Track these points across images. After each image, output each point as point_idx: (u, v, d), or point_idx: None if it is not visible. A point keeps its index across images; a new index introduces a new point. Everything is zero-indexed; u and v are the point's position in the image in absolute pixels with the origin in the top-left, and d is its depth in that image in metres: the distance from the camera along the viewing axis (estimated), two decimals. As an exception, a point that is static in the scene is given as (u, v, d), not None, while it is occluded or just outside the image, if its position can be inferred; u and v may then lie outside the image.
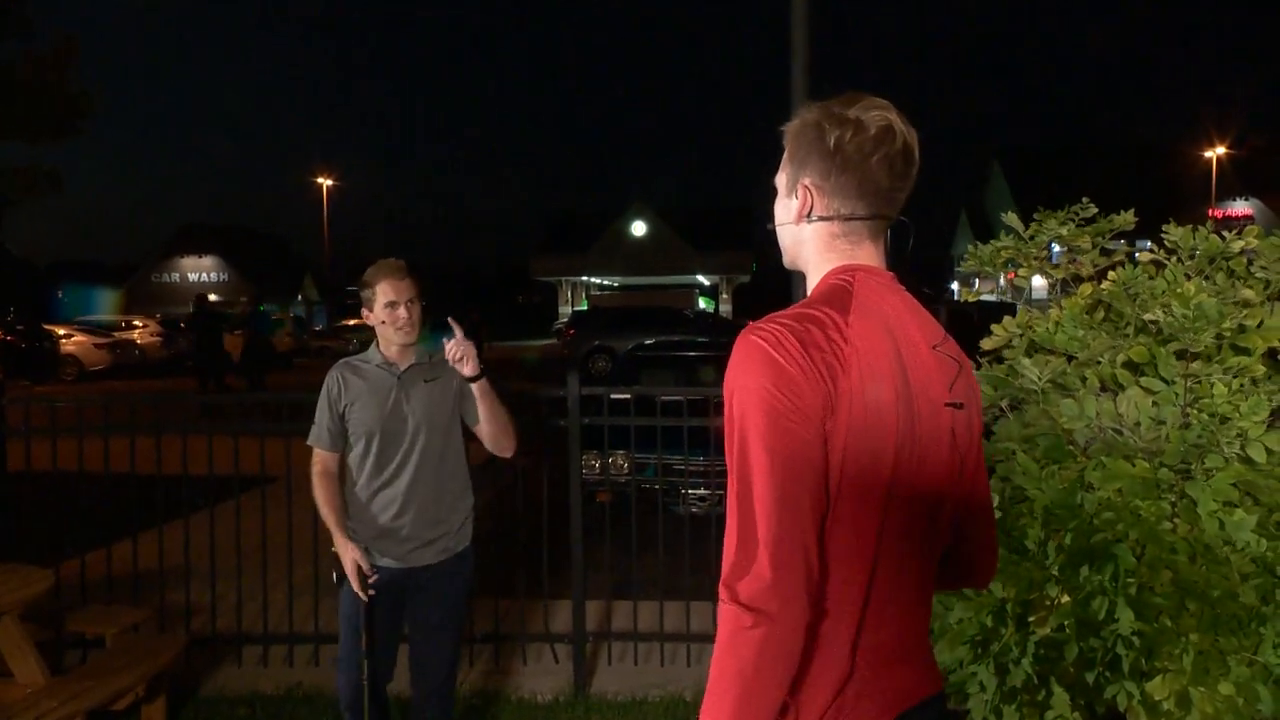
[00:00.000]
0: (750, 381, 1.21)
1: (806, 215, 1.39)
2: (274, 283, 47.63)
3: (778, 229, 1.48)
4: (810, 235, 1.40)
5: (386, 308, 2.89)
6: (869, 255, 1.38)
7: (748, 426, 1.21)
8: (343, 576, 2.85)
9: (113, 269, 59.68)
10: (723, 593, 1.19)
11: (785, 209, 1.44)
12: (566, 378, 4.07)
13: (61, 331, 24.06)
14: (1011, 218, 2.97)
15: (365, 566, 2.82)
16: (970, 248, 3.04)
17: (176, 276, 53.00)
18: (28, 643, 3.23)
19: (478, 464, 3.17)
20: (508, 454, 3.09)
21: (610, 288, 46.45)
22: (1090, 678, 2.31)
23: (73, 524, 4.28)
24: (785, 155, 1.43)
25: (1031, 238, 2.92)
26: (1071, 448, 2.60)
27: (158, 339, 26.85)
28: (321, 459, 2.92)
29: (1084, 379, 2.63)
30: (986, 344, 2.85)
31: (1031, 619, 2.39)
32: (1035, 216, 2.96)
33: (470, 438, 3.08)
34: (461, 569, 3.04)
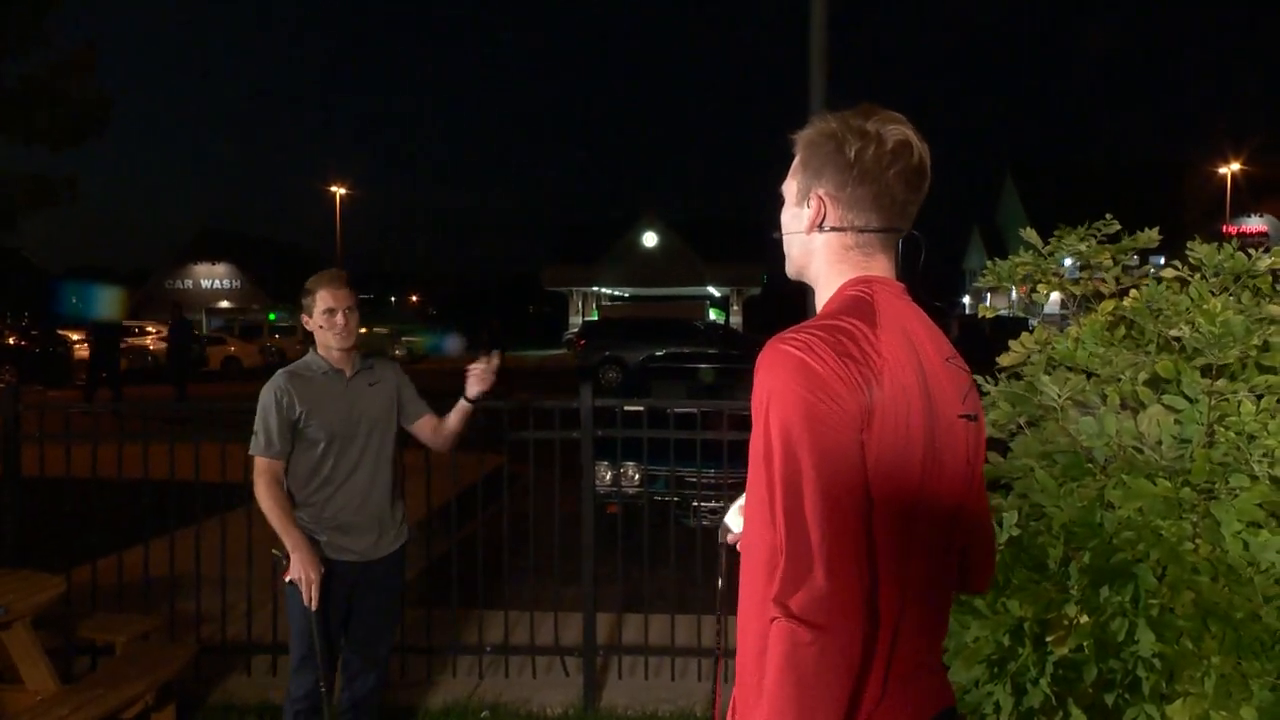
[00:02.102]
0: (787, 389, 1.20)
1: (819, 225, 1.38)
2: (286, 289, 47.78)
3: (785, 238, 1.46)
4: (822, 246, 1.39)
5: (325, 314, 3.07)
6: (882, 268, 1.38)
7: (791, 435, 1.19)
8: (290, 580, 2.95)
9: (126, 275, 59.97)
10: (774, 609, 1.16)
11: (795, 218, 1.43)
12: (580, 389, 4.06)
13: (75, 336, 24.18)
14: (1030, 234, 2.95)
15: (318, 578, 2.93)
16: (989, 263, 3.02)
17: (190, 283, 53.25)
18: (38, 649, 3.23)
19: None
20: (444, 451, 3.44)
21: (621, 298, 46.45)
22: (1110, 699, 2.28)
23: (84, 530, 4.28)
24: (796, 163, 1.42)
25: (1050, 254, 2.90)
26: (1090, 465, 2.58)
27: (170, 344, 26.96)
28: (270, 468, 3.01)
29: (1104, 396, 2.60)
30: (1004, 360, 2.83)
31: (1050, 639, 2.36)
32: (1055, 233, 2.94)
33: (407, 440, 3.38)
34: (401, 565, 3.27)
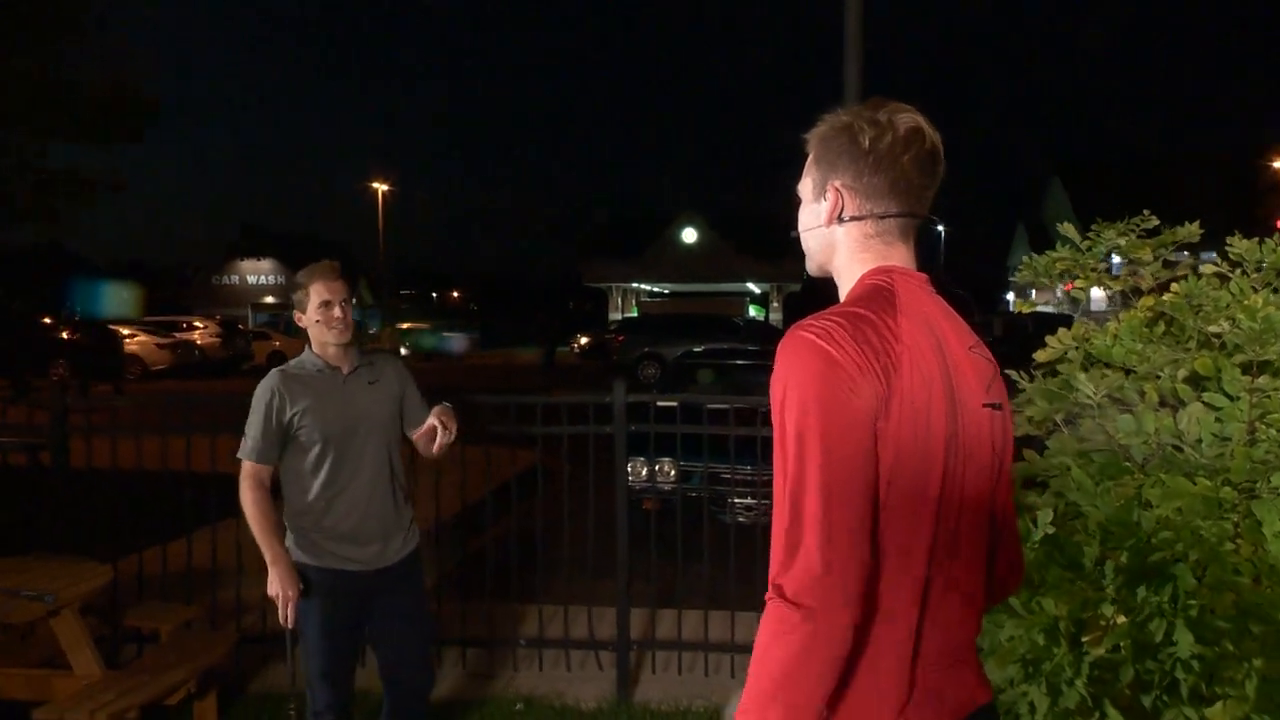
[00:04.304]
0: (804, 375, 1.21)
1: (838, 217, 1.39)
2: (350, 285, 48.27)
3: (804, 235, 1.47)
4: (842, 237, 1.40)
5: (321, 307, 2.89)
6: (902, 256, 1.38)
7: (802, 420, 1.20)
8: (306, 586, 2.86)
9: (174, 271, 61.11)
10: (770, 589, 1.18)
11: (813, 213, 1.44)
12: (613, 385, 4.07)
13: (126, 331, 24.69)
14: (1068, 228, 2.90)
15: (295, 597, 2.83)
16: (1025, 259, 2.98)
17: (236, 279, 54.19)
18: (85, 636, 3.30)
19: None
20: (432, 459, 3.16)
21: (661, 294, 46.42)
22: (1147, 701, 2.25)
23: (130, 521, 4.37)
24: (810, 160, 1.43)
25: (1089, 249, 2.86)
26: (1128, 464, 2.54)
27: (217, 339, 27.46)
28: (256, 472, 2.87)
29: (1142, 393, 2.56)
30: (1041, 356, 2.79)
31: (1085, 639, 2.33)
32: (1093, 228, 2.90)
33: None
34: (417, 567, 3.09)
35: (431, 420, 2.94)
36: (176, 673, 3.34)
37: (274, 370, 2.95)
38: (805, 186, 1.45)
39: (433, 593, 4.46)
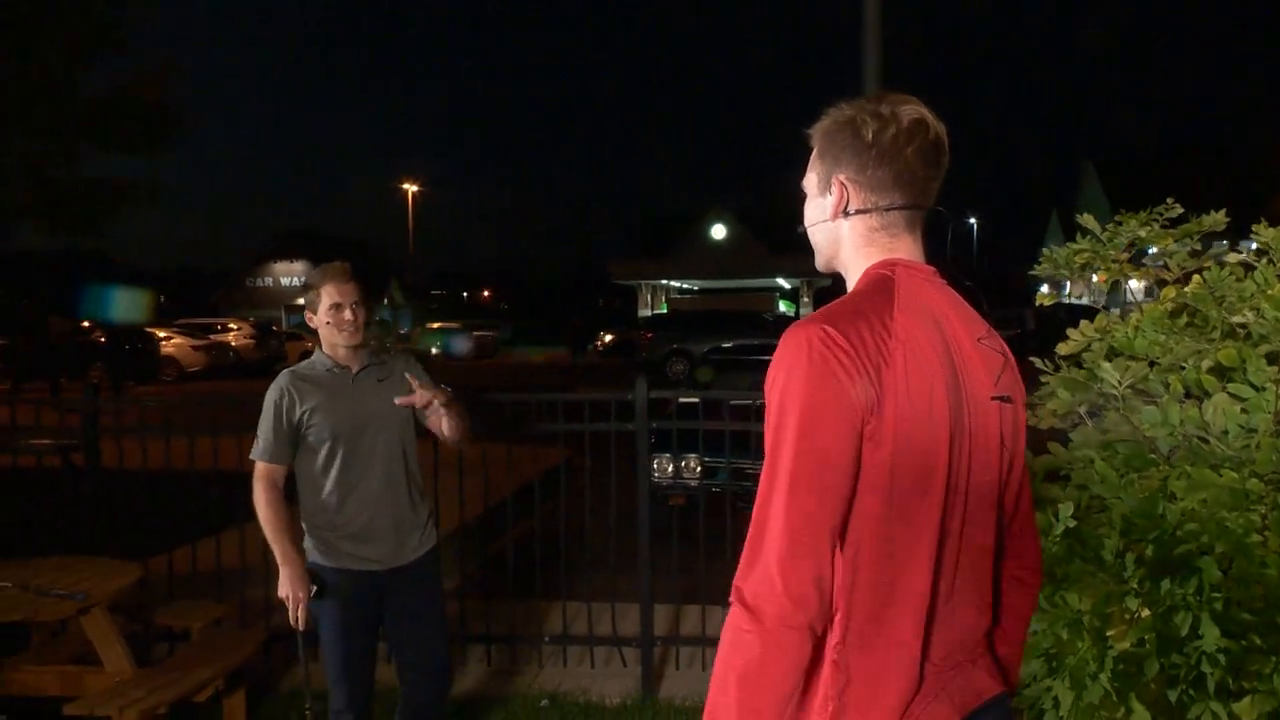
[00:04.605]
0: (790, 381, 1.21)
1: (843, 210, 1.38)
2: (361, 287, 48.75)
3: (811, 230, 1.47)
4: (848, 231, 1.40)
5: (331, 309, 2.90)
6: (908, 248, 1.38)
7: (782, 426, 1.20)
8: (320, 587, 2.87)
9: (208, 274, 61.93)
10: (733, 590, 1.20)
11: (818, 208, 1.43)
12: (635, 381, 4.08)
13: (162, 334, 25.06)
14: (1088, 219, 2.86)
15: (306, 598, 2.84)
16: (1046, 251, 2.94)
17: (269, 280, 54.84)
18: (116, 634, 3.36)
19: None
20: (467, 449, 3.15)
21: (690, 291, 46.39)
22: (1173, 696, 2.21)
23: (161, 521, 4.44)
24: (814, 155, 1.43)
25: (1110, 240, 2.82)
26: (1153, 456, 2.50)
27: (251, 341, 27.81)
28: (269, 472, 2.89)
29: (1166, 384, 2.52)
30: (1063, 348, 2.76)
31: (1110, 633, 2.30)
32: (1116, 218, 2.85)
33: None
34: (434, 566, 3.08)
35: (421, 392, 2.89)
36: (205, 670, 3.38)
37: (284, 370, 2.98)
38: (810, 181, 1.45)
39: (456, 591, 4.49)
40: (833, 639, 1.22)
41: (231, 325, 29.65)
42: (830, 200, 1.40)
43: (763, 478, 1.22)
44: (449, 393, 3.01)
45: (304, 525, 2.94)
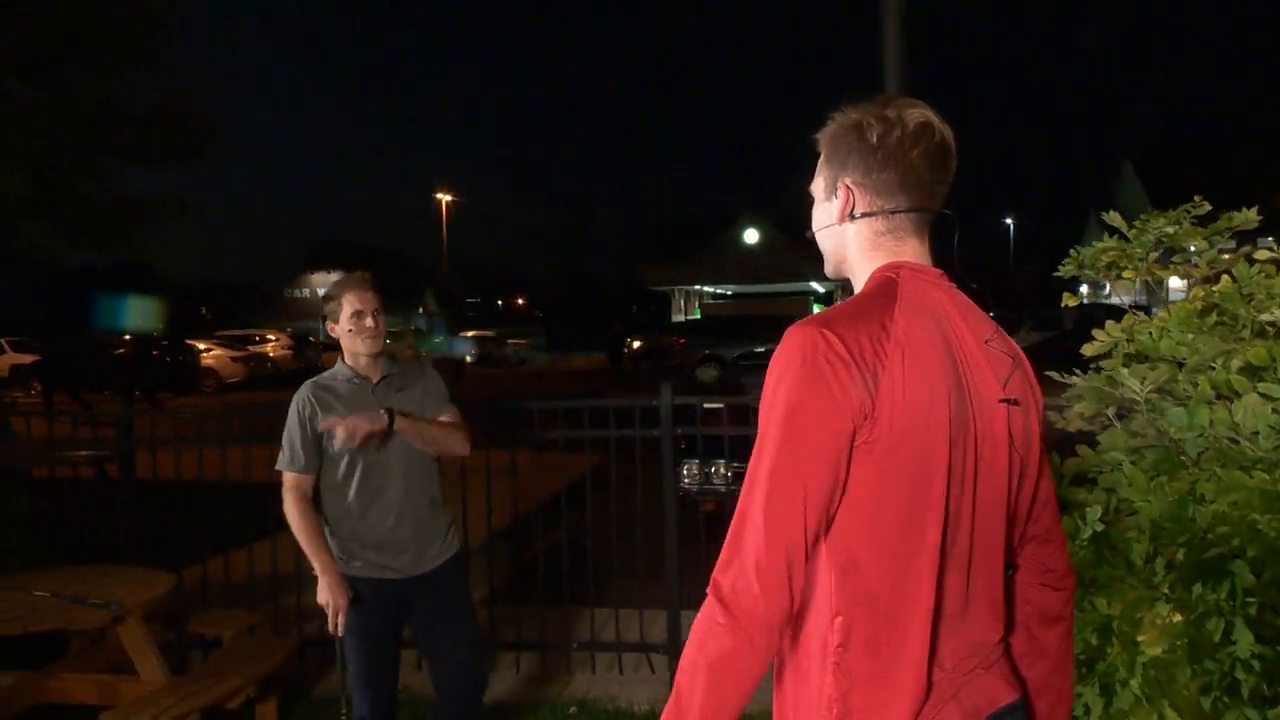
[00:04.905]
0: (781, 383, 1.22)
1: (849, 214, 1.38)
2: (397, 296, 49.31)
3: (818, 235, 1.47)
4: (854, 235, 1.39)
5: (353, 318, 2.93)
6: (914, 251, 1.37)
7: (769, 426, 1.21)
8: (353, 602, 2.89)
9: (247, 286, 62.84)
10: (710, 583, 1.21)
11: (825, 212, 1.43)
12: (660, 387, 4.08)
13: (202, 346, 25.45)
14: (1114, 216, 2.81)
15: (345, 605, 2.86)
16: (1072, 251, 2.90)
17: (307, 292, 55.54)
18: (150, 642, 3.41)
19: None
20: (463, 454, 3.14)
21: (724, 296, 46.29)
22: (1207, 703, 2.17)
23: (194, 530, 4.50)
24: (821, 160, 1.43)
25: (1136, 238, 2.77)
26: (1183, 458, 2.46)
27: (289, 351, 28.17)
28: (297, 483, 2.92)
29: (1195, 385, 2.47)
30: (1088, 350, 2.71)
31: (1140, 638, 2.26)
32: (1142, 216, 2.80)
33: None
34: (460, 574, 3.10)
35: (340, 433, 2.85)
36: (236, 678, 3.42)
37: (306, 381, 3.02)
38: (817, 186, 1.45)
39: (485, 599, 4.51)
40: (833, 641, 1.22)
41: (269, 336, 30.08)
42: (836, 204, 1.40)
43: (747, 475, 1.23)
44: (454, 417, 3.05)
45: (328, 533, 2.97)
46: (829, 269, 1.48)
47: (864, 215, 1.37)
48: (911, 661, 1.22)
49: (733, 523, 1.22)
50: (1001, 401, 1.32)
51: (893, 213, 1.36)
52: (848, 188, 1.38)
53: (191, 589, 4.43)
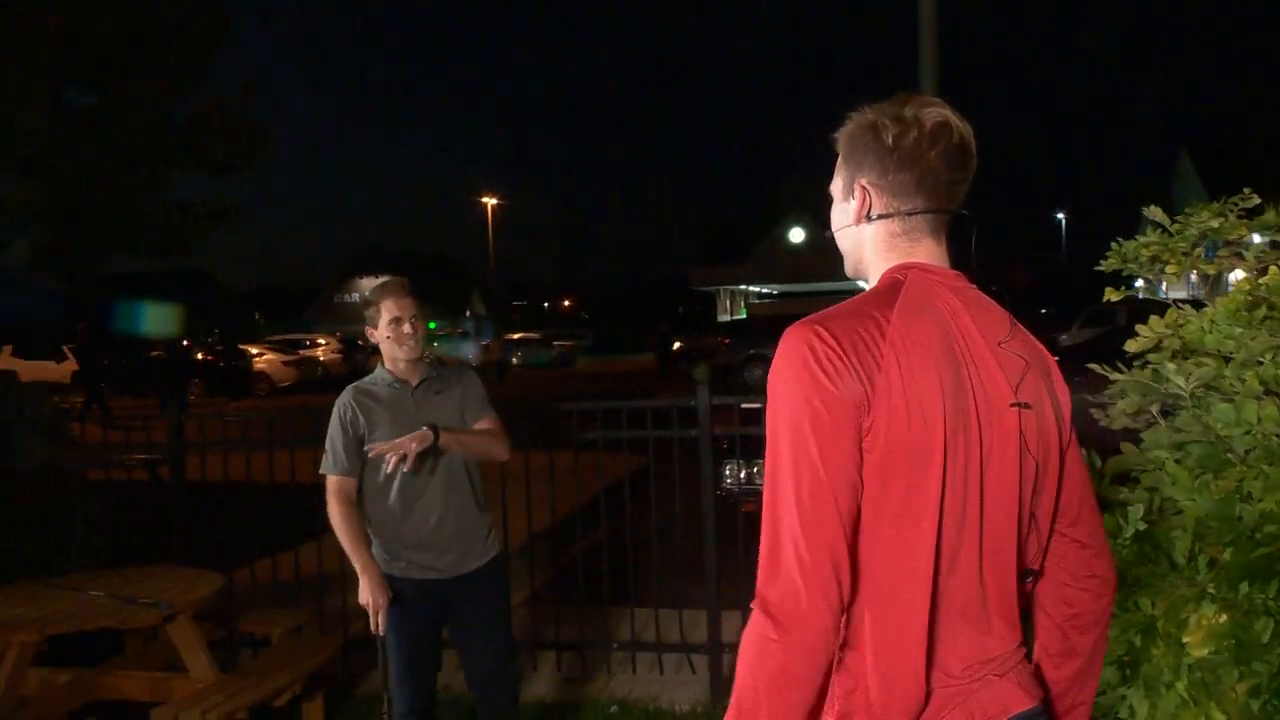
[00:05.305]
0: (786, 384, 1.21)
1: (866, 215, 1.37)
2: (444, 300, 49.83)
3: (837, 235, 1.46)
4: (870, 236, 1.39)
5: (391, 324, 2.97)
6: (929, 253, 1.36)
7: (780, 430, 1.21)
8: (393, 601, 2.93)
9: (301, 292, 63.89)
10: (756, 599, 1.19)
11: (843, 213, 1.43)
12: (696, 388, 4.08)
13: (254, 350, 25.94)
14: (1155, 210, 2.75)
15: (386, 605, 2.89)
16: (1114, 244, 2.84)
17: (356, 296, 56.35)
18: (200, 640, 3.49)
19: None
20: (503, 459, 3.18)
21: (769, 295, 46.13)
22: (1255, 705, 2.12)
23: (243, 532, 4.59)
24: (840, 160, 1.42)
25: (1179, 232, 2.71)
26: (1229, 456, 2.40)
27: (339, 355, 28.58)
28: (340, 485, 2.96)
29: (1242, 380, 2.42)
30: (1131, 346, 2.66)
31: (1186, 639, 2.22)
32: (1186, 209, 2.75)
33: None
34: (499, 576, 3.13)
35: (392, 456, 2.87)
36: (282, 676, 3.49)
37: (348, 386, 3.08)
38: (835, 186, 1.45)
39: (527, 599, 4.55)
40: (838, 640, 1.21)
41: (320, 340, 30.53)
42: (853, 205, 1.39)
43: (767, 485, 1.21)
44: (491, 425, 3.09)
45: (370, 534, 3.02)
46: (848, 269, 1.48)
47: (880, 217, 1.36)
48: (911, 666, 1.21)
49: (764, 535, 1.20)
50: (1013, 405, 1.29)
51: (909, 214, 1.35)
52: (864, 189, 1.37)
53: (241, 589, 4.53)
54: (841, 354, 1.19)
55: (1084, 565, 1.43)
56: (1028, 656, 1.40)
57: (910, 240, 1.36)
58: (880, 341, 1.21)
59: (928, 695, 1.22)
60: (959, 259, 1.39)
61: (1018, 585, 1.33)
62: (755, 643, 1.18)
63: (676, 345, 29.51)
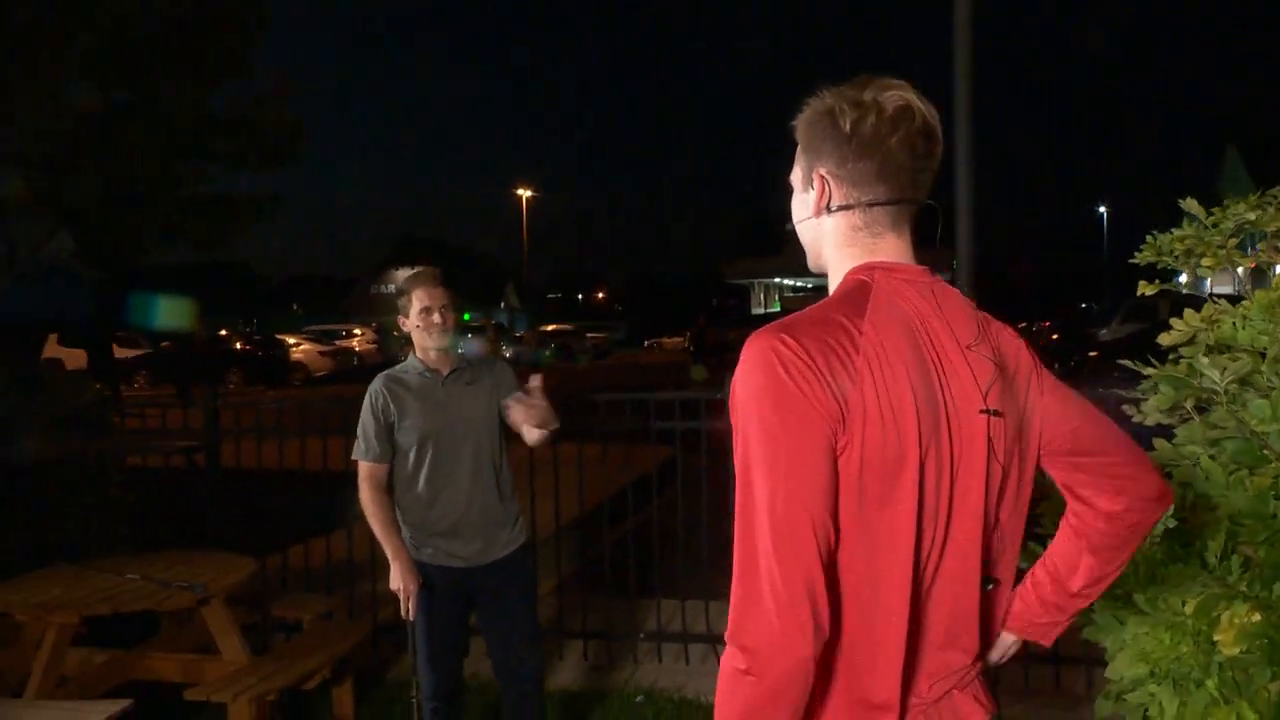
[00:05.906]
0: (754, 399, 1.12)
1: (826, 206, 1.30)
2: (479, 292, 50.11)
3: (797, 228, 1.38)
4: (830, 228, 1.31)
5: (422, 313, 3.00)
6: (892, 247, 1.29)
7: (749, 447, 1.12)
8: (421, 586, 2.97)
9: (338, 282, 64.56)
10: (728, 634, 1.12)
11: (803, 204, 1.35)
12: (724, 379, 4.06)
13: (292, 340, 26.25)
14: (1190, 203, 2.71)
15: (415, 590, 2.94)
16: (1149, 237, 2.80)
17: (391, 287, 56.83)
18: (233, 624, 3.55)
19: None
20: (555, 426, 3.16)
21: (803, 289, 45.87)
22: (1289, 706, 2.09)
23: (277, 518, 4.66)
24: (798, 149, 1.34)
25: (1215, 225, 2.66)
26: (1265, 452, 2.36)
27: (374, 345, 28.85)
28: (372, 472, 3.00)
29: (1278, 376, 2.37)
30: (1164, 340, 2.62)
31: (1217, 637, 2.19)
32: (1225, 202, 2.69)
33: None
34: (525, 565, 3.16)
35: (519, 395, 3.02)
36: (312, 660, 3.54)
37: (379, 374, 3.11)
38: (795, 176, 1.36)
39: (555, 589, 4.57)
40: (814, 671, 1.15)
41: (355, 331, 30.83)
42: (812, 196, 1.32)
43: (739, 507, 1.13)
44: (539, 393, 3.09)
45: (400, 521, 3.05)
46: (810, 264, 1.38)
47: (840, 208, 1.28)
48: (887, 685, 1.18)
49: (736, 561, 1.12)
50: (982, 412, 1.23)
51: (870, 205, 1.27)
52: (823, 178, 1.29)
53: (274, 575, 4.59)
54: (812, 365, 1.11)
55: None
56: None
57: (871, 235, 1.28)
58: (854, 354, 1.14)
59: (903, 714, 1.19)
60: (925, 250, 1.32)
61: (979, 594, 1.28)
62: (727, 676, 1.12)
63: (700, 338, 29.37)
